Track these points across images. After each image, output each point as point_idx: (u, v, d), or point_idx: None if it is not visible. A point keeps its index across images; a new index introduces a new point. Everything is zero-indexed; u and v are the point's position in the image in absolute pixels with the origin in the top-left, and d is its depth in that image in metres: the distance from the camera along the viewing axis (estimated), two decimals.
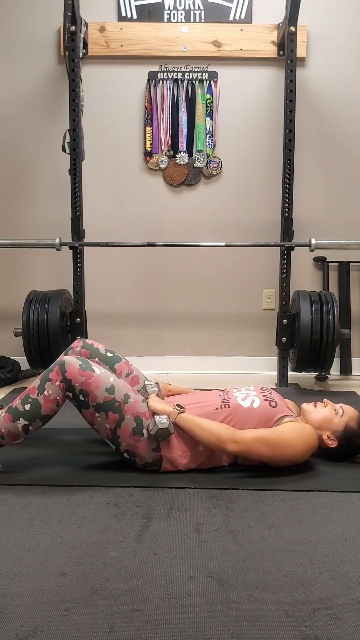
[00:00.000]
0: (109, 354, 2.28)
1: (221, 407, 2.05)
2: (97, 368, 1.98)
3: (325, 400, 2.16)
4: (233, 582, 1.41)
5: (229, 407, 2.05)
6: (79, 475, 2.04)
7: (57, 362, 1.99)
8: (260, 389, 2.16)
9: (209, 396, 2.15)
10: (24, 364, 3.41)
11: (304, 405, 2.15)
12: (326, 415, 2.08)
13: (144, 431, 1.98)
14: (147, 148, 3.57)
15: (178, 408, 2.00)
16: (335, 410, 2.09)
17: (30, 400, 1.95)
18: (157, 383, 2.19)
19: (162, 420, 1.95)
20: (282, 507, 1.80)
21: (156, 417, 1.96)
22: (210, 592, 1.37)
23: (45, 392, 1.94)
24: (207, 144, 3.56)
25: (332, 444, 2.07)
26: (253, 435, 1.95)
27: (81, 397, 1.95)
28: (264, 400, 2.08)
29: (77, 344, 2.29)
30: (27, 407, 1.95)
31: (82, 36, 3.32)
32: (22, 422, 1.94)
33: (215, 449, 1.98)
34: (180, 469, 2.02)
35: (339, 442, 2.07)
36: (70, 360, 1.96)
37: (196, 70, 3.51)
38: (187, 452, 2.02)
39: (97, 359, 2.23)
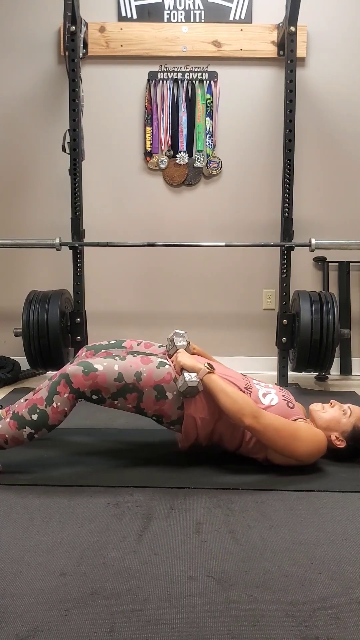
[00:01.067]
0: (112, 341, 2.32)
1: (243, 391, 2.05)
2: (99, 364, 1.99)
3: (332, 401, 2.16)
4: (233, 582, 1.41)
5: (250, 395, 2.05)
6: (79, 475, 2.04)
7: (61, 375, 1.98)
8: (279, 389, 2.18)
9: (233, 374, 2.14)
10: (24, 364, 3.41)
11: (312, 406, 2.15)
12: (334, 416, 2.09)
13: (168, 394, 1.99)
14: (147, 148, 3.57)
15: (208, 367, 2.00)
16: (344, 411, 2.09)
17: (38, 410, 1.96)
18: (185, 334, 2.18)
19: (191, 379, 1.94)
20: (282, 507, 1.80)
21: (186, 374, 1.96)
22: (210, 592, 1.37)
23: (54, 404, 1.95)
24: (207, 144, 3.56)
25: (341, 444, 2.07)
26: (272, 420, 1.95)
27: (94, 397, 1.97)
28: (282, 400, 2.09)
29: (82, 351, 2.32)
30: (35, 417, 1.95)
31: (82, 36, 3.32)
32: (27, 430, 1.95)
33: (233, 419, 1.96)
34: (198, 433, 2.04)
35: (347, 443, 2.07)
36: (73, 370, 1.97)
37: (196, 70, 3.51)
38: (207, 416, 2.02)
39: (103, 350, 2.25)
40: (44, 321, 3.12)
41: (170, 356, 2.14)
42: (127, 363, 2.01)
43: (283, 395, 2.13)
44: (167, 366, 2.03)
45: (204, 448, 2.17)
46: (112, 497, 1.85)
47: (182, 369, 2.00)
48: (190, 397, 1.99)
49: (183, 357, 2.04)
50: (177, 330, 2.19)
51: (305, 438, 1.98)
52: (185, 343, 2.13)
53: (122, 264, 3.66)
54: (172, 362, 2.07)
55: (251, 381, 2.16)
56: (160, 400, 1.99)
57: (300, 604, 1.32)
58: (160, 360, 2.06)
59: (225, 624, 1.25)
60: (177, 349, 2.10)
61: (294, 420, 2.04)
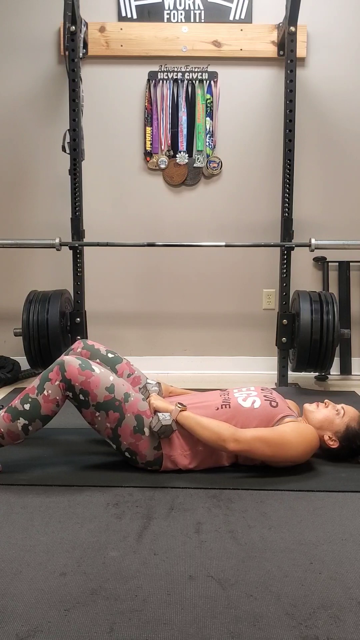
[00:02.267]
0: (110, 355, 2.28)
1: (222, 407, 2.05)
2: (97, 367, 1.99)
3: (326, 400, 2.16)
4: (233, 582, 1.41)
5: (229, 407, 2.05)
6: (79, 475, 2.04)
7: (56, 362, 1.99)
8: (261, 389, 2.16)
9: (209, 396, 2.15)
10: (24, 364, 3.41)
11: (306, 406, 2.15)
12: (327, 416, 2.08)
13: (145, 429, 1.98)
14: (147, 148, 3.57)
15: (180, 406, 2.00)
16: (337, 411, 2.09)
17: (29, 399, 1.95)
18: (158, 382, 2.19)
19: (165, 417, 1.95)
20: (282, 507, 1.80)
21: (159, 414, 1.96)
22: (210, 592, 1.37)
23: (45, 392, 1.94)
24: (207, 144, 3.56)
25: (334, 444, 2.07)
26: (254, 434, 1.95)
27: (81, 397, 1.95)
28: (265, 400, 2.08)
29: (78, 345, 2.29)
30: (27, 406, 1.95)
31: (82, 36, 3.32)
32: (21, 421, 1.94)
33: (216, 448, 1.98)
34: (180, 468, 2.02)
35: (340, 443, 2.07)
36: (70, 360, 1.97)
37: (196, 70, 3.51)
38: (187, 451, 2.02)
39: (98, 360, 2.23)
40: (44, 321, 3.12)
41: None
42: (121, 381, 2.02)
43: (265, 396, 2.11)
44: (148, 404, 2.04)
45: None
46: (112, 497, 1.85)
47: (155, 411, 2.00)
48: (165, 437, 1.99)
49: (156, 400, 2.03)
50: (148, 380, 2.20)
51: (293, 439, 1.98)
52: (157, 389, 2.15)
53: (122, 264, 3.66)
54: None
55: (230, 393, 2.15)
56: (136, 434, 1.97)
57: (300, 604, 1.32)
58: (142, 396, 2.06)
59: (225, 624, 1.25)
60: (150, 394, 2.10)
61: (281, 418, 2.03)
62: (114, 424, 1.97)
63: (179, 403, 2.02)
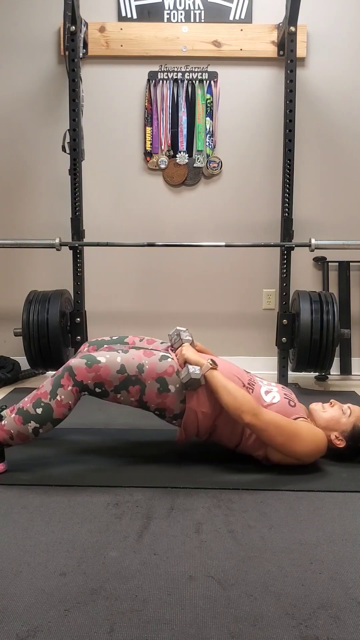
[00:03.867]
0: (115, 337, 2.34)
1: (246, 388, 2.06)
2: (102, 356, 2.00)
3: (332, 400, 2.16)
4: (233, 582, 1.41)
5: (252, 392, 2.07)
6: (79, 475, 2.04)
7: (65, 368, 2.00)
8: (282, 387, 2.19)
9: (238, 370, 2.15)
10: (24, 364, 3.41)
11: (312, 406, 2.16)
12: (334, 415, 2.09)
13: (170, 387, 2.00)
14: (147, 148, 3.57)
15: (211, 363, 2.01)
16: (343, 411, 2.10)
17: (42, 404, 1.96)
18: (188, 330, 2.21)
19: (195, 371, 1.96)
20: (282, 507, 1.80)
21: (189, 366, 1.97)
22: (210, 592, 1.37)
23: (58, 397, 1.96)
24: (207, 144, 3.56)
25: (340, 444, 2.07)
26: (273, 417, 1.96)
27: (97, 390, 1.98)
28: (284, 398, 2.10)
29: (84, 347, 2.34)
30: (39, 410, 1.96)
31: (82, 36, 3.32)
32: (32, 424, 1.96)
33: (233, 416, 1.96)
34: (199, 425, 2.04)
35: (346, 442, 2.08)
36: (77, 363, 1.98)
37: (196, 70, 3.51)
38: (208, 411, 2.02)
39: (105, 345, 2.26)
40: (44, 321, 3.12)
41: (174, 349, 2.15)
42: (130, 355, 2.02)
43: (285, 394, 2.13)
44: (169, 359, 2.04)
45: (204, 447, 2.18)
46: (112, 497, 1.85)
47: (185, 363, 2.01)
48: (191, 390, 2.00)
49: (188, 351, 2.05)
50: (179, 327, 2.21)
51: (306, 437, 1.99)
52: (190, 338, 2.16)
53: (122, 264, 3.66)
54: (177, 355, 2.07)
55: (255, 378, 2.17)
56: (162, 393, 2.00)
57: (300, 604, 1.32)
58: (162, 353, 2.07)
59: (225, 624, 1.25)
60: (183, 343, 2.11)
61: (295, 418, 2.04)
62: (138, 396, 2.00)
63: (211, 360, 2.03)
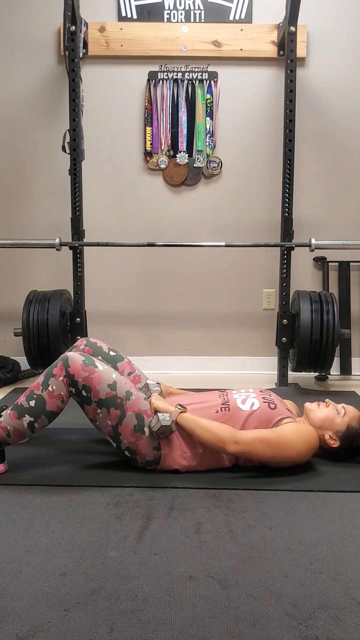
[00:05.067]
0: (112, 353, 2.30)
1: (221, 410, 2.05)
2: (100, 364, 2.00)
3: (327, 400, 2.16)
4: (233, 582, 1.41)
5: (229, 409, 2.05)
6: (79, 475, 2.04)
7: (60, 358, 1.99)
8: (260, 391, 2.16)
9: (209, 397, 2.15)
10: (24, 364, 3.41)
11: (307, 405, 2.15)
12: (328, 415, 2.09)
13: (146, 429, 1.98)
14: (147, 148, 3.57)
15: (180, 407, 2.00)
16: (337, 410, 2.10)
17: (34, 396, 1.96)
18: (158, 383, 2.20)
19: (165, 418, 1.95)
20: (282, 507, 1.80)
21: (159, 414, 1.96)
22: (210, 592, 1.37)
23: (50, 388, 1.95)
24: (207, 144, 3.56)
25: (334, 444, 2.07)
26: (254, 435, 1.95)
27: (84, 393, 1.95)
28: (264, 402, 2.08)
29: (81, 342, 2.31)
30: (32, 403, 1.95)
31: (82, 36, 3.32)
32: (27, 418, 1.95)
33: (216, 450, 1.97)
34: (179, 470, 2.02)
35: (340, 442, 2.07)
36: (74, 355, 1.98)
37: (196, 70, 3.51)
38: (187, 453, 2.02)
39: (100, 357, 2.24)
40: (44, 321, 3.12)
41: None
42: (123, 379, 2.03)
43: (264, 398, 2.11)
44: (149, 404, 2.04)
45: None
46: (112, 497, 1.85)
47: (155, 412, 2.00)
48: (164, 438, 1.99)
49: (157, 401, 2.03)
50: (148, 381, 2.21)
51: (293, 440, 1.98)
52: (158, 389, 2.16)
53: (122, 264, 3.66)
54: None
55: (229, 394, 2.15)
56: (137, 433, 1.98)
57: (300, 604, 1.32)
58: (144, 395, 2.07)
59: (225, 624, 1.25)
60: (151, 393, 2.11)
61: (279, 420, 2.03)
62: (115, 422, 1.97)
63: (179, 404, 2.02)
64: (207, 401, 2.11)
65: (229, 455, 2.01)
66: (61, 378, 1.95)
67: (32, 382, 3.41)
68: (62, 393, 1.95)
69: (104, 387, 1.95)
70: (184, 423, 1.98)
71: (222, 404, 2.08)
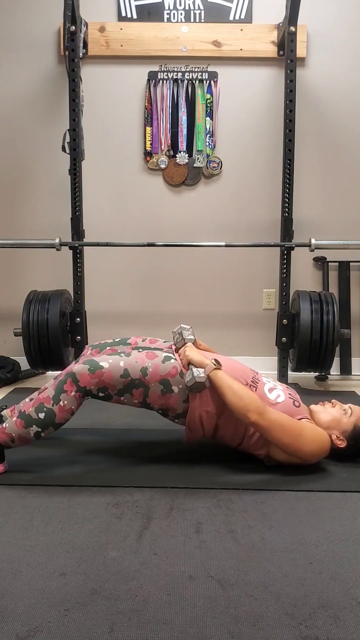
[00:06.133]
0: (117, 339, 2.33)
1: (249, 386, 2.06)
2: (105, 361, 1.99)
3: (333, 400, 2.17)
4: (233, 582, 1.41)
5: (256, 390, 2.06)
6: (79, 475, 2.04)
7: (68, 374, 1.99)
8: (286, 387, 2.19)
9: (241, 367, 2.15)
10: (24, 364, 3.41)
11: (313, 407, 2.16)
12: (335, 416, 2.09)
13: (173, 388, 2.00)
14: (147, 148, 3.57)
15: (215, 364, 2.00)
16: (344, 411, 2.10)
17: (45, 409, 1.96)
18: (192, 328, 2.20)
19: (199, 374, 1.95)
20: (282, 507, 1.80)
21: (194, 369, 1.96)
22: (210, 592, 1.37)
23: (61, 403, 1.96)
24: (207, 144, 3.56)
25: (341, 444, 2.07)
26: (278, 417, 1.96)
27: (101, 394, 1.98)
28: (289, 398, 2.10)
29: (87, 350, 2.33)
30: (42, 415, 1.96)
31: (82, 36, 3.32)
32: (35, 429, 1.96)
33: (238, 415, 1.95)
34: (203, 424, 2.03)
35: (347, 442, 2.08)
36: (79, 369, 1.98)
37: (196, 70, 3.51)
38: (212, 410, 2.02)
39: (108, 348, 2.26)
40: (44, 321, 3.11)
41: (177, 349, 2.14)
42: (133, 359, 2.02)
43: (290, 394, 2.13)
44: (172, 360, 2.04)
45: (205, 447, 2.17)
46: (112, 497, 1.85)
47: (189, 364, 2.00)
48: (196, 392, 1.99)
49: (191, 352, 2.04)
50: (183, 325, 2.20)
51: (310, 437, 1.99)
52: (193, 337, 2.15)
53: (122, 264, 3.66)
54: (179, 356, 2.07)
55: (259, 376, 2.16)
56: (166, 395, 2.00)
57: (300, 604, 1.32)
58: (165, 354, 2.06)
59: (225, 624, 1.25)
60: (185, 343, 2.11)
61: (299, 419, 2.04)
62: (142, 397, 2.00)
63: (215, 360, 2.02)
64: (240, 370, 2.11)
65: (249, 424, 1.97)
66: (73, 393, 1.96)
67: (32, 382, 3.44)
68: (72, 407, 1.97)
69: (117, 380, 1.97)
70: (217, 381, 1.98)
71: (252, 380, 2.09)
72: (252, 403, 1.93)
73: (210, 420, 2.04)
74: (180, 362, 2.04)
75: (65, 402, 1.95)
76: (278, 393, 2.10)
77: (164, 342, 2.29)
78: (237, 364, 2.17)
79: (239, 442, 2.08)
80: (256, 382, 2.09)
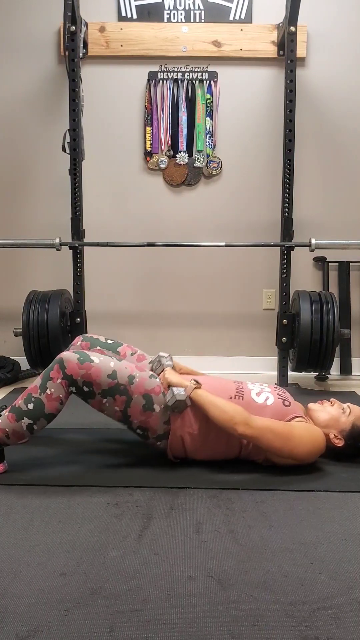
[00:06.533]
0: (109, 341, 2.32)
1: (235, 398, 2.05)
2: (96, 357, 1.99)
3: (332, 399, 2.16)
4: (233, 582, 1.41)
5: (242, 399, 2.05)
6: (79, 475, 2.04)
7: (56, 360, 1.99)
8: (275, 387, 2.18)
9: (224, 383, 2.14)
10: (24, 364, 3.41)
11: (311, 405, 2.15)
12: (333, 414, 2.09)
13: (155, 406, 1.98)
14: (147, 148, 3.57)
15: (195, 383, 2.00)
16: (343, 410, 2.10)
17: (33, 399, 1.95)
18: (170, 356, 2.19)
19: (180, 392, 1.95)
20: (282, 507, 1.80)
21: (174, 388, 1.96)
22: (210, 592, 1.37)
23: (48, 391, 1.95)
24: (207, 144, 3.56)
25: (339, 443, 2.07)
26: (266, 423, 1.95)
27: (85, 389, 1.96)
28: (278, 398, 2.09)
29: (78, 339, 2.32)
30: (31, 406, 1.95)
31: (82, 36, 3.32)
32: (26, 421, 1.95)
33: (226, 429, 1.95)
34: (186, 447, 2.03)
35: (345, 442, 2.07)
36: (68, 356, 1.97)
37: (196, 70, 3.51)
38: (196, 431, 2.01)
39: (98, 348, 2.25)
40: (44, 321, 3.12)
41: (157, 375, 2.12)
42: (123, 364, 2.02)
43: (279, 394, 2.12)
44: (157, 380, 2.04)
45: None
46: (112, 497, 1.85)
47: (169, 386, 2.00)
48: (178, 412, 1.99)
49: (170, 375, 2.04)
50: (161, 353, 2.20)
51: (302, 437, 1.98)
52: (171, 363, 2.16)
53: (122, 264, 3.66)
54: (160, 380, 2.06)
55: (244, 384, 2.15)
56: (147, 412, 1.99)
57: (300, 604, 1.32)
58: (151, 373, 2.07)
59: (225, 624, 1.25)
60: (164, 367, 2.11)
61: (292, 418, 2.03)
62: (123, 407, 1.98)
63: (194, 379, 2.03)
64: (222, 386, 2.10)
65: (238, 436, 1.97)
66: (59, 380, 1.94)
67: (32, 382, 3.43)
68: (60, 395, 1.95)
69: (104, 378, 1.95)
70: (198, 399, 1.98)
71: (237, 391, 2.08)
72: (237, 415, 1.93)
73: (193, 442, 2.03)
74: (161, 384, 2.04)
75: (52, 389, 1.94)
76: (266, 395, 2.09)
77: (149, 362, 2.27)
78: (218, 380, 2.17)
79: (237, 453, 2.07)
80: (241, 392, 2.09)
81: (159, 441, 2.05)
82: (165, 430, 2.02)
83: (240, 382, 2.16)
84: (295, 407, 2.10)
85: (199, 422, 2.01)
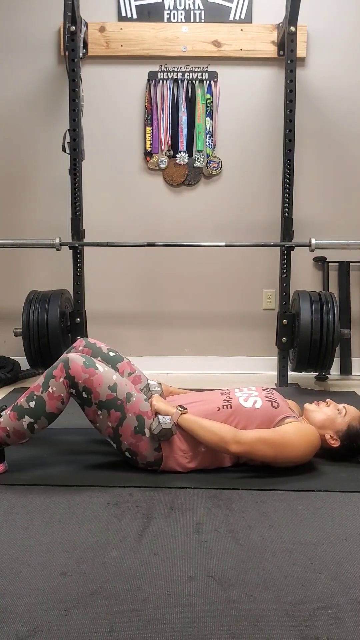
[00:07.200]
0: (111, 354, 2.29)
1: (223, 408, 2.05)
2: (101, 366, 1.99)
3: (328, 400, 2.16)
4: (233, 582, 1.41)
5: (231, 407, 2.05)
6: (79, 475, 2.04)
7: (61, 359, 1.99)
8: (262, 390, 2.16)
9: (211, 396, 2.15)
10: (24, 364, 3.41)
11: (307, 405, 2.15)
12: (329, 415, 2.09)
13: (146, 430, 1.98)
14: (147, 148, 3.57)
15: (181, 409, 2.00)
16: (339, 410, 2.10)
17: (35, 397, 1.95)
18: (159, 383, 2.20)
19: (165, 420, 1.94)
20: (282, 507, 1.80)
21: (160, 417, 1.96)
22: (210, 592, 1.37)
23: (50, 389, 1.94)
24: (207, 144, 3.56)
25: (335, 443, 2.07)
26: (256, 435, 1.95)
27: (84, 394, 1.95)
28: (266, 401, 2.08)
29: (80, 343, 2.30)
30: (32, 404, 1.95)
31: (82, 36, 3.32)
32: (27, 419, 1.94)
33: (218, 450, 1.97)
34: (180, 470, 2.02)
35: (341, 442, 2.07)
36: (74, 357, 1.97)
37: (196, 70, 3.51)
38: (188, 453, 2.02)
39: (99, 358, 2.23)
40: (44, 321, 3.12)
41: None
42: (124, 381, 2.02)
43: (267, 396, 2.11)
44: (149, 405, 2.04)
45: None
46: (112, 497, 1.85)
47: (156, 413, 2.00)
48: (164, 440, 1.99)
49: (158, 402, 2.03)
50: (150, 381, 2.20)
51: (295, 440, 1.98)
52: (159, 389, 2.16)
53: (122, 264, 3.66)
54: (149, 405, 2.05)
55: (231, 392, 2.15)
56: (137, 435, 1.98)
57: (300, 604, 1.32)
58: (145, 397, 2.06)
59: (225, 624, 1.25)
60: (152, 394, 2.11)
61: (282, 419, 2.03)
62: (115, 423, 1.97)
63: (179, 406, 2.02)
64: (209, 400, 2.11)
65: (232, 455, 2.00)
66: (61, 379, 1.94)
67: (32, 382, 3.43)
68: (62, 394, 1.95)
69: (104, 389, 1.95)
70: (185, 424, 1.98)
71: (224, 402, 2.08)
72: (226, 435, 1.93)
73: (189, 460, 2.02)
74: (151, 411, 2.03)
75: (54, 388, 1.94)
76: (254, 399, 2.08)
77: (140, 389, 2.26)
78: (205, 394, 2.17)
79: (235, 460, 2.07)
80: (229, 400, 2.08)
81: (150, 467, 2.03)
82: (156, 457, 2.01)
83: (226, 391, 2.16)
84: (284, 408, 2.09)
85: (189, 443, 2.01)
